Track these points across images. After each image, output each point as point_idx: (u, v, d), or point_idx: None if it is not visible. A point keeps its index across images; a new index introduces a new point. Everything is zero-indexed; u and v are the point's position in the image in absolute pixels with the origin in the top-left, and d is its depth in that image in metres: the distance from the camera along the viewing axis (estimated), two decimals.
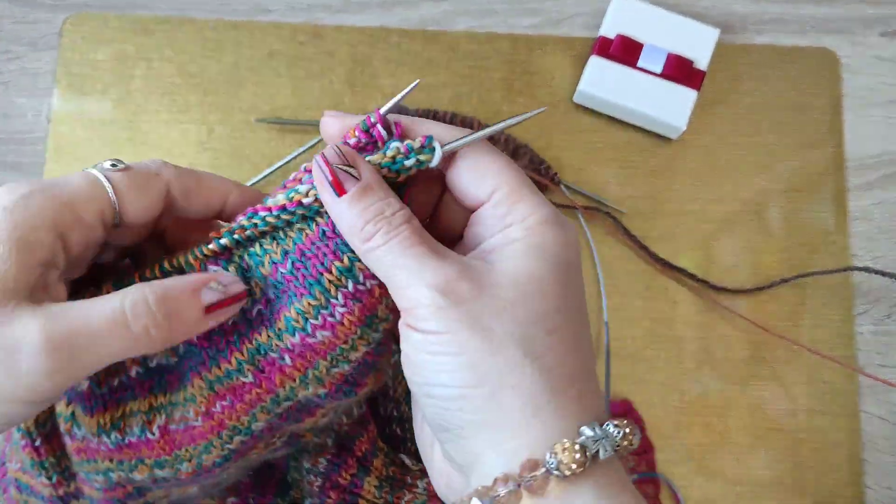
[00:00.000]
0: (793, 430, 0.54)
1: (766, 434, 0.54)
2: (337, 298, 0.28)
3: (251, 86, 0.58)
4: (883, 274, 0.53)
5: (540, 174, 0.56)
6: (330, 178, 0.27)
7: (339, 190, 0.27)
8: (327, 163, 0.28)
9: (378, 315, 0.29)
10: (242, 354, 0.30)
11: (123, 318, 0.26)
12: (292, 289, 0.29)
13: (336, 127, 0.31)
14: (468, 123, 0.56)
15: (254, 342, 0.30)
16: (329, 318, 0.29)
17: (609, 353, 0.54)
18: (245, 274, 0.30)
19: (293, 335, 0.29)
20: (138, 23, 0.59)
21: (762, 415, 0.54)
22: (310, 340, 0.29)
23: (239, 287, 0.29)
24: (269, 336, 0.29)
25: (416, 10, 0.61)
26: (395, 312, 0.30)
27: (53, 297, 0.26)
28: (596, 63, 0.57)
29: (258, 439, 0.32)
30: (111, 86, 0.58)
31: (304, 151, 0.56)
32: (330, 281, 0.28)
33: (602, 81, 0.57)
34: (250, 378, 0.30)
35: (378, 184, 0.28)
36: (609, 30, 0.58)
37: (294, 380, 0.30)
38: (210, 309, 0.28)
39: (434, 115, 0.56)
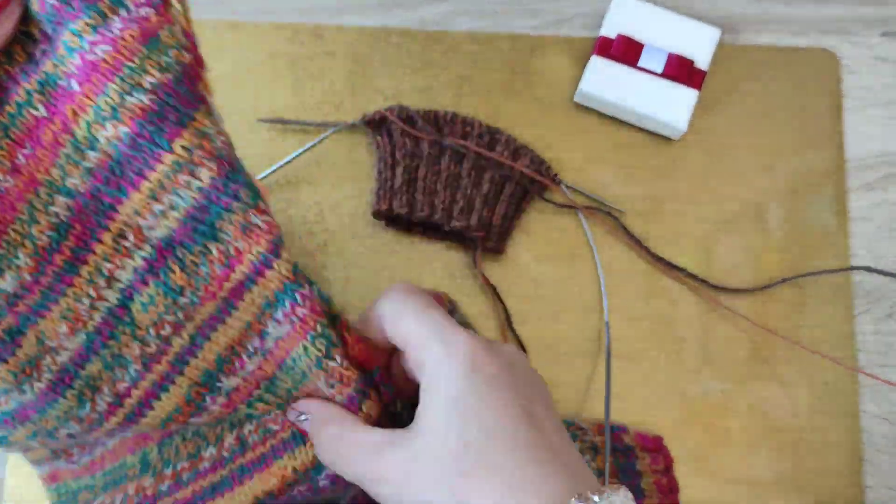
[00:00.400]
0: (793, 429, 0.54)
1: (767, 434, 0.54)
2: (114, 19, 0.28)
3: (251, 86, 0.58)
4: (884, 273, 0.53)
5: (540, 174, 0.56)
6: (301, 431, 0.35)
7: (303, 432, 0.35)
8: (291, 423, 0.35)
9: (161, 39, 0.29)
10: (31, 84, 0.29)
11: None
12: (67, 16, 0.29)
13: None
14: (469, 124, 0.56)
15: (42, 74, 0.29)
16: (107, 34, 0.28)
17: (610, 353, 0.54)
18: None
19: (73, 56, 0.28)
20: None
21: (763, 415, 0.54)
22: (90, 58, 0.28)
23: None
24: (53, 64, 0.29)
25: (417, 11, 0.61)
26: (188, 47, 0.31)
27: None
28: (596, 63, 0.57)
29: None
30: None
31: (304, 152, 0.56)
32: (104, 4, 0.28)
33: (603, 81, 0.57)
34: (42, 111, 0.29)
35: (327, 415, 0.34)
36: (609, 30, 0.58)
37: (86, 111, 0.29)
38: None
39: (434, 116, 0.56)
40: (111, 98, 0.28)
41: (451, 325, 0.32)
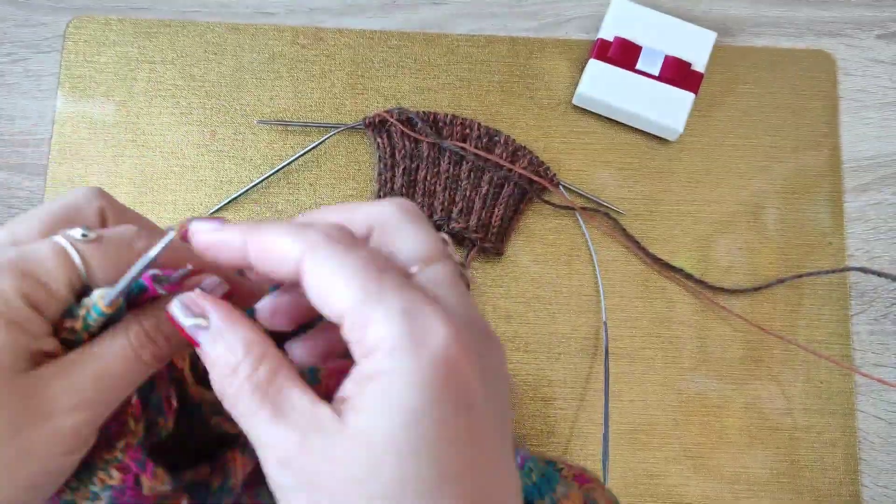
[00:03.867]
0: (789, 429, 0.55)
1: (763, 433, 0.54)
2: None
3: (253, 88, 0.59)
4: (879, 274, 0.54)
5: (539, 176, 0.56)
6: (183, 335, 0.26)
7: (195, 343, 0.26)
8: (175, 323, 0.26)
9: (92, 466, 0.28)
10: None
11: (134, 352, 0.26)
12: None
13: (198, 241, 0.28)
14: (468, 125, 0.56)
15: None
16: None
17: (608, 352, 0.55)
18: None
19: None
20: (141, 26, 0.60)
21: (759, 414, 0.55)
22: None
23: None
24: None
25: (417, 13, 0.61)
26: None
27: (48, 349, 0.26)
28: (595, 66, 0.58)
29: None
30: (114, 88, 0.58)
31: (305, 153, 0.57)
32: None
33: (601, 84, 0.57)
34: None
35: (228, 327, 0.25)
36: (607, 33, 0.58)
37: None
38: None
39: (433, 118, 0.56)
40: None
41: (423, 298, 0.23)
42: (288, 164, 0.57)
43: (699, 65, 0.58)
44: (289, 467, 0.23)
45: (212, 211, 0.56)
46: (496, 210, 0.55)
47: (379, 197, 0.56)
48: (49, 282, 0.26)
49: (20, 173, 0.57)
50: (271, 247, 0.25)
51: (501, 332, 0.55)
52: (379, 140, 0.57)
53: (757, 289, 0.56)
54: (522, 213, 0.57)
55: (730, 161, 0.59)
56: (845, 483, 0.54)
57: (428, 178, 0.55)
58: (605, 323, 0.55)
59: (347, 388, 0.24)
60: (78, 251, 0.27)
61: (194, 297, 0.26)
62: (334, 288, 0.24)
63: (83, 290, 0.27)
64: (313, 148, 0.57)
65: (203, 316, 0.26)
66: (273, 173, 0.57)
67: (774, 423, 0.55)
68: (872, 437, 0.55)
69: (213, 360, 0.25)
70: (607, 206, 0.57)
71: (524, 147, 0.57)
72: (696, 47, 0.58)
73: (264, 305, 0.29)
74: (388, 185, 0.55)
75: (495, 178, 0.56)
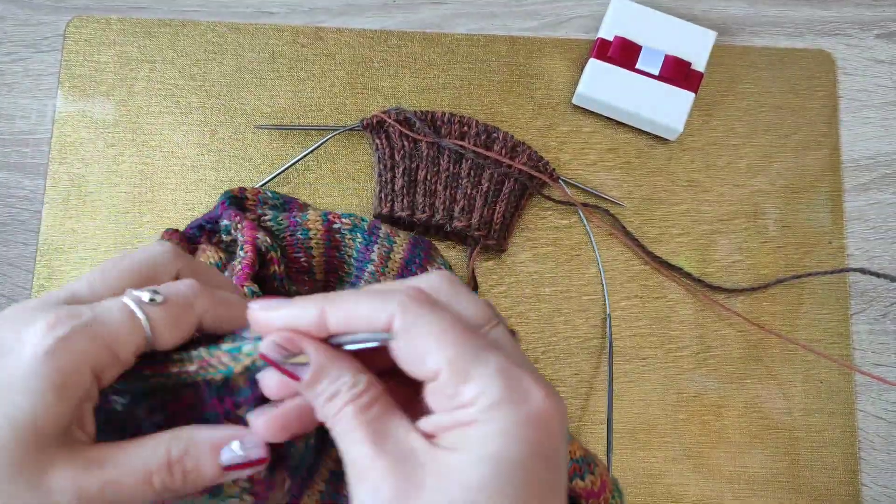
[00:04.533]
0: (789, 428, 0.55)
1: (763, 432, 0.54)
2: None
3: (253, 88, 0.59)
4: (878, 275, 0.54)
5: (539, 171, 0.56)
6: (282, 374, 0.27)
7: (294, 378, 0.27)
8: (271, 362, 0.27)
9: (225, 490, 0.30)
10: None
11: (149, 475, 0.27)
12: None
13: (261, 319, 0.29)
14: (466, 123, 0.56)
15: None
16: None
17: (612, 343, 0.55)
18: None
19: None
20: (141, 25, 0.60)
21: (759, 413, 0.55)
22: None
23: (259, 453, 0.28)
24: None
25: (417, 13, 0.61)
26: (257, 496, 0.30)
27: (85, 428, 0.27)
28: (594, 65, 0.58)
29: None
30: (114, 88, 0.58)
31: (305, 155, 0.57)
32: None
33: (601, 84, 0.57)
34: None
35: (331, 362, 0.27)
36: (607, 32, 0.58)
37: None
38: (228, 468, 0.28)
39: (431, 117, 0.56)
40: None
41: (521, 368, 0.26)
42: (288, 167, 0.57)
43: (699, 64, 0.58)
44: (378, 491, 0.25)
45: None
46: (498, 207, 0.55)
47: (380, 198, 0.56)
48: (119, 350, 0.27)
49: (20, 173, 0.57)
50: (356, 314, 0.27)
51: None
52: (378, 141, 0.57)
53: (757, 288, 0.56)
54: (524, 209, 0.57)
55: (729, 161, 0.59)
56: (845, 482, 0.54)
57: (428, 177, 0.55)
58: (608, 315, 0.55)
59: (437, 429, 0.26)
60: (146, 315, 0.28)
61: (289, 336, 0.27)
62: (429, 346, 0.26)
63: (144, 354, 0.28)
64: (311, 151, 0.57)
65: (299, 353, 0.27)
66: (273, 178, 0.57)
67: (774, 423, 0.55)
68: (872, 437, 0.55)
69: (318, 391, 0.27)
70: (607, 199, 0.57)
71: (523, 143, 0.57)
72: (696, 47, 0.58)
73: (258, 417, 0.29)
74: (389, 186, 0.55)
75: (495, 175, 0.56)
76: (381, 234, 0.47)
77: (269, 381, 0.28)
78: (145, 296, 0.28)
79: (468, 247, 0.56)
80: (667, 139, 0.59)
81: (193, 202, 0.57)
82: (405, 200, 0.55)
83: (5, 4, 0.60)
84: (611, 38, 0.58)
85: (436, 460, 0.25)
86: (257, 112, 0.58)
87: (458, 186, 0.55)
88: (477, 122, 0.57)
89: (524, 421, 0.25)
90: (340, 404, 0.26)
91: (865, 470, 0.54)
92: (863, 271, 0.55)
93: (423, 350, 0.26)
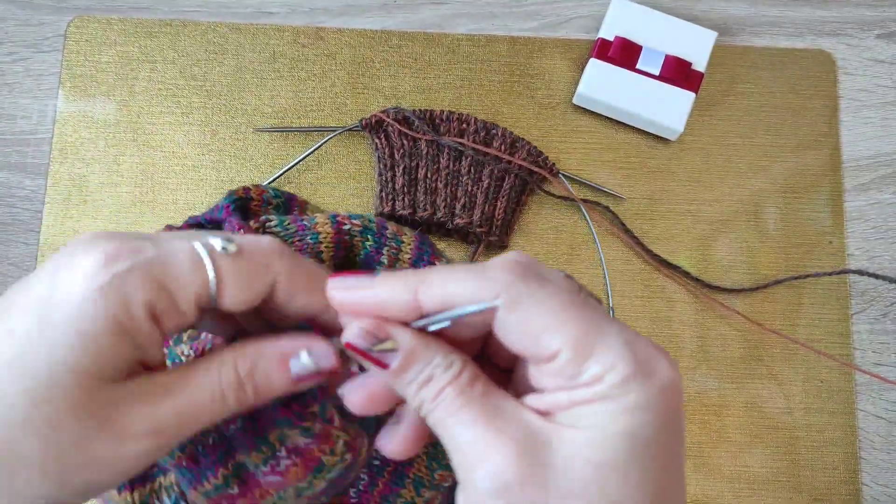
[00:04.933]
0: (789, 427, 0.55)
1: (763, 432, 0.54)
2: (280, 452, 0.30)
3: (254, 88, 0.59)
4: (877, 277, 0.54)
5: (539, 166, 0.56)
6: (369, 363, 0.25)
7: (383, 366, 0.25)
8: (359, 351, 0.25)
9: (325, 463, 0.30)
10: (227, 469, 0.31)
11: (222, 393, 0.26)
12: (243, 441, 0.30)
13: (345, 299, 0.27)
14: (465, 120, 0.56)
15: (237, 459, 0.31)
16: (276, 468, 0.30)
17: None
18: None
19: (255, 472, 0.30)
20: (141, 26, 0.60)
21: (759, 413, 0.55)
22: (262, 480, 0.30)
23: (329, 362, 0.27)
24: (245, 457, 0.31)
25: (417, 13, 0.61)
26: (352, 451, 0.31)
27: (150, 361, 0.26)
28: (595, 65, 0.58)
29: None
30: (115, 88, 0.59)
31: (305, 157, 0.57)
32: (275, 437, 0.30)
33: (601, 84, 0.57)
34: (236, 490, 0.31)
35: (421, 346, 0.25)
36: (608, 32, 0.58)
37: (272, 494, 0.31)
38: (299, 379, 0.27)
39: (430, 115, 0.56)
40: (288, 495, 0.31)
41: (642, 338, 0.25)
42: (288, 169, 0.57)
43: (699, 64, 0.58)
44: (500, 474, 0.23)
45: None
46: (499, 203, 0.55)
47: (381, 197, 0.56)
48: (178, 297, 0.25)
49: (21, 173, 0.57)
50: (454, 291, 0.25)
51: None
52: (377, 141, 0.57)
53: (757, 288, 0.56)
54: (524, 205, 0.57)
55: (730, 161, 0.59)
56: (845, 482, 0.54)
57: (428, 175, 0.55)
58: (611, 309, 0.55)
59: (559, 397, 0.24)
60: (215, 265, 0.25)
61: (376, 323, 0.26)
62: (546, 322, 0.24)
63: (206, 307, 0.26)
64: (312, 152, 0.57)
65: (388, 339, 0.25)
66: (273, 180, 0.57)
67: (774, 422, 0.55)
68: (872, 436, 0.55)
69: (408, 379, 0.25)
70: (607, 193, 0.57)
71: (522, 138, 0.57)
72: (697, 47, 0.58)
73: (353, 388, 0.28)
74: (390, 185, 0.56)
75: (495, 172, 0.56)
76: (389, 235, 0.47)
77: (354, 396, 0.27)
78: (218, 243, 0.25)
79: (470, 244, 0.56)
80: (667, 139, 0.59)
81: (194, 202, 0.57)
82: (406, 199, 0.55)
83: (6, 4, 0.60)
84: (611, 39, 0.58)
85: (561, 438, 0.23)
86: (258, 112, 0.58)
87: (459, 184, 0.55)
88: (475, 119, 0.57)
89: (657, 395, 0.23)
90: (437, 388, 0.25)
91: (866, 469, 0.54)
92: (861, 273, 0.55)
93: (538, 327, 0.24)
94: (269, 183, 0.57)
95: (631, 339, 0.24)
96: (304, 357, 0.27)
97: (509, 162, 0.56)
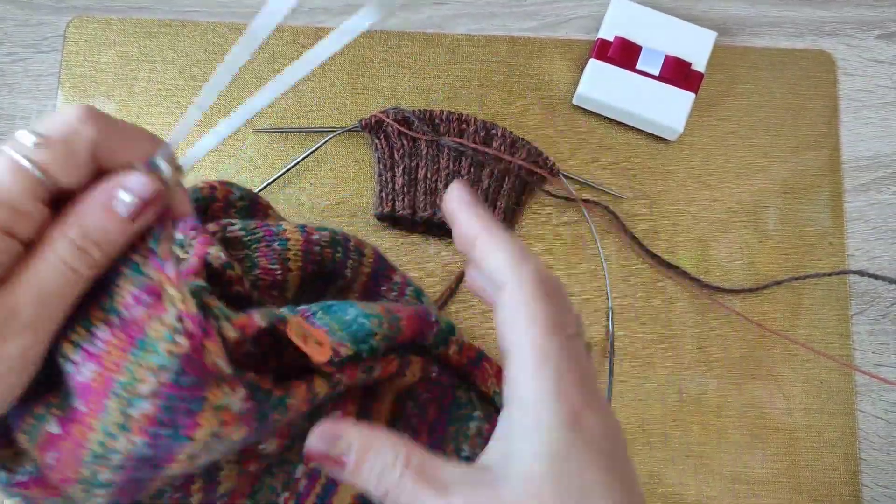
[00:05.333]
0: (789, 428, 0.55)
1: (763, 433, 0.54)
2: (99, 329, 0.27)
3: (253, 88, 0.59)
4: (876, 277, 0.53)
5: (539, 166, 0.56)
6: (330, 465, 0.29)
7: (342, 465, 0.28)
8: (320, 456, 0.29)
9: (149, 337, 0.27)
10: (56, 398, 0.29)
11: (68, 267, 0.26)
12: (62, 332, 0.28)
13: (456, 209, 0.32)
14: (464, 120, 0.56)
15: (57, 398, 0.29)
16: (91, 349, 0.27)
17: (614, 340, 0.55)
18: None
19: (70, 377, 0.28)
20: (141, 26, 0.60)
21: (759, 413, 0.55)
22: (81, 379, 0.27)
23: (148, 188, 0.27)
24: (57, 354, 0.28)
25: (417, 13, 0.61)
26: (184, 329, 0.28)
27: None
28: (595, 66, 0.58)
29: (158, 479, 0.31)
30: (115, 88, 0.59)
31: (305, 158, 0.57)
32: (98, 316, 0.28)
33: (601, 84, 0.57)
34: (57, 429, 0.29)
35: (371, 442, 0.28)
36: (607, 33, 0.58)
37: (94, 430, 0.28)
38: (132, 217, 0.27)
39: (429, 115, 0.56)
40: (113, 416, 0.27)
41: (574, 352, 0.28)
42: (287, 169, 0.57)
43: (699, 65, 0.58)
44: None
45: None
46: (499, 203, 0.55)
47: (381, 197, 0.56)
48: (14, 204, 0.25)
49: None
50: (489, 257, 0.30)
51: None
52: (377, 141, 0.57)
53: (757, 289, 0.56)
54: (524, 205, 0.57)
55: (729, 161, 0.59)
56: (845, 482, 0.54)
57: (428, 175, 0.55)
58: (610, 309, 0.55)
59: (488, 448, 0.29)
60: (32, 161, 0.26)
61: (328, 428, 0.29)
62: (519, 326, 0.28)
63: (56, 194, 0.26)
64: (311, 153, 0.57)
65: (339, 439, 0.29)
66: (272, 181, 0.57)
67: (774, 423, 0.55)
68: (872, 437, 0.55)
69: (367, 472, 0.28)
70: (607, 192, 0.57)
71: (521, 138, 0.57)
72: (696, 47, 0.58)
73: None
74: (389, 186, 0.55)
75: (495, 172, 0.56)
76: (352, 247, 0.46)
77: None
78: (28, 141, 0.26)
79: None
80: (667, 139, 0.59)
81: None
82: (406, 199, 0.55)
83: (5, 5, 0.60)
84: (611, 39, 0.58)
85: (496, 480, 0.27)
86: (258, 112, 0.58)
87: None
88: (475, 118, 0.57)
89: (558, 412, 0.27)
90: (395, 477, 0.28)
91: (865, 470, 0.54)
92: (861, 273, 0.55)
93: (521, 328, 0.28)
94: (268, 185, 0.57)
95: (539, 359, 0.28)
96: (122, 195, 0.27)
97: (509, 162, 0.56)
